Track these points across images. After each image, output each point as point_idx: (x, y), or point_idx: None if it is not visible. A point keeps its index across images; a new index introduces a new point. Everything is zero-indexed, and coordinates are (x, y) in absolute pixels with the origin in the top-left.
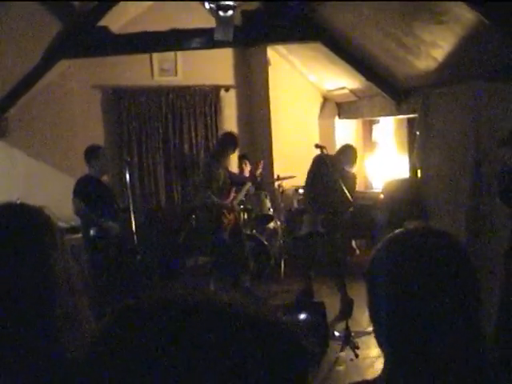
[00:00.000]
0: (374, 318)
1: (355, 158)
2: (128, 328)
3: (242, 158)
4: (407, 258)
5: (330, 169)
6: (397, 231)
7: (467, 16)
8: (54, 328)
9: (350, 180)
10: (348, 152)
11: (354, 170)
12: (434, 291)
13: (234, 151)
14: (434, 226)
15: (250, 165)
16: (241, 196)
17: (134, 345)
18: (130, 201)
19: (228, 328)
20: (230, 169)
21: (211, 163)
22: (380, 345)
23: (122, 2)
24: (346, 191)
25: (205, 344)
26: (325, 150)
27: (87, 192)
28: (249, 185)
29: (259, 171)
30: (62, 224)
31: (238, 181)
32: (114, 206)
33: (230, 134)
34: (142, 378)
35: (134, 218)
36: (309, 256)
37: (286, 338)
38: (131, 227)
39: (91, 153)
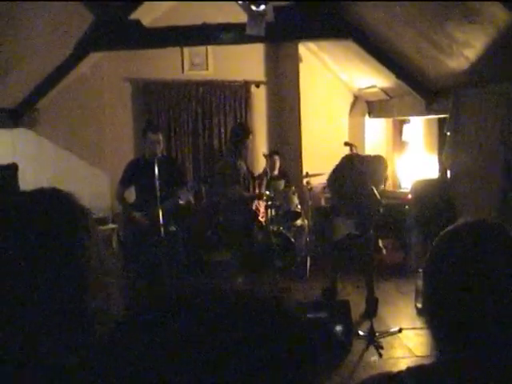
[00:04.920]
0: (434, 312)
1: (385, 173)
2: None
3: (272, 154)
4: (473, 251)
5: (358, 169)
6: (456, 225)
7: (501, 16)
8: (87, 311)
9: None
10: (378, 169)
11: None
12: (501, 283)
13: (247, 137)
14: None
15: (281, 161)
16: (263, 187)
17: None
18: (158, 194)
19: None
20: (259, 165)
21: (231, 159)
22: (435, 336)
23: None
24: (376, 192)
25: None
26: (354, 148)
27: (124, 173)
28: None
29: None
30: None
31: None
32: (154, 192)
33: (236, 124)
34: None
35: (162, 211)
36: (341, 258)
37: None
38: (158, 220)
39: (141, 132)
